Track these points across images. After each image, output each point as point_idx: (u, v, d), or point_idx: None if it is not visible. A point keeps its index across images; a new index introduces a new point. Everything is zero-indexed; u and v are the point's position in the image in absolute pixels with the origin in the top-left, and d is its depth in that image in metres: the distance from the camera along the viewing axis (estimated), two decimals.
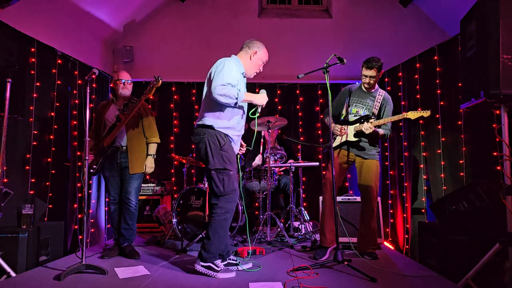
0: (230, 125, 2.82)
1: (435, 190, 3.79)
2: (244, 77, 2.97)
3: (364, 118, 3.35)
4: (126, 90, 3.46)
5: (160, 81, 3.22)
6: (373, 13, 5.26)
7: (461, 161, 3.53)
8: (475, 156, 3.41)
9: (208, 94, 2.77)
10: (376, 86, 3.45)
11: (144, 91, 3.25)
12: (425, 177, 3.95)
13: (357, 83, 3.57)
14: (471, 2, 2.59)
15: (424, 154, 3.96)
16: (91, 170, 3.35)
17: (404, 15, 5.19)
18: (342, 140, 3.43)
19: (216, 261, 2.75)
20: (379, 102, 3.40)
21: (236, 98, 2.68)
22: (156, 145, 3.56)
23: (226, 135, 2.80)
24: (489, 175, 3.16)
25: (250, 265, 3.02)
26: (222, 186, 2.74)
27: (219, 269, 2.72)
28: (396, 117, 3.26)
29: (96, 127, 3.52)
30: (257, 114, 2.95)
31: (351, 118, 3.43)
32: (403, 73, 4.42)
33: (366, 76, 3.33)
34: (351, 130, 3.40)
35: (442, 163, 3.75)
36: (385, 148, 4.62)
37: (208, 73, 2.86)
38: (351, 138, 3.39)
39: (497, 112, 2.68)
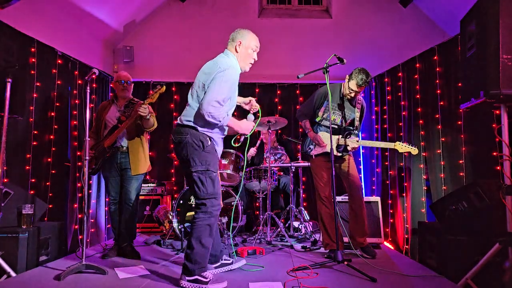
0: (215, 128, 2.64)
1: (435, 190, 3.79)
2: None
3: (346, 132, 3.38)
4: (126, 91, 3.48)
5: (164, 87, 3.20)
6: (373, 13, 5.26)
7: (461, 161, 3.53)
8: (475, 156, 3.40)
9: (198, 95, 2.60)
10: None
11: (148, 96, 3.22)
12: (425, 177, 3.95)
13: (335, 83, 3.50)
14: (471, 2, 2.59)
15: (424, 154, 3.96)
16: (89, 170, 3.33)
17: (404, 15, 5.19)
18: (324, 151, 3.38)
19: (203, 273, 2.51)
20: (359, 111, 3.44)
21: (220, 121, 2.52)
22: (153, 121, 3.43)
23: (211, 138, 2.62)
24: (489, 175, 3.16)
25: (243, 261, 2.96)
26: (206, 188, 2.56)
27: (208, 279, 2.48)
28: (384, 144, 3.51)
29: (96, 127, 3.52)
30: (239, 144, 2.82)
31: (326, 123, 3.40)
32: (403, 73, 4.42)
33: (353, 90, 3.29)
34: (331, 140, 3.37)
35: (442, 163, 3.75)
36: (385, 148, 4.61)
37: (207, 71, 2.58)
38: (336, 153, 3.37)
39: (497, 112, 2.68)
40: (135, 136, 3.44)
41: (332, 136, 3.36)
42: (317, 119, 3.44)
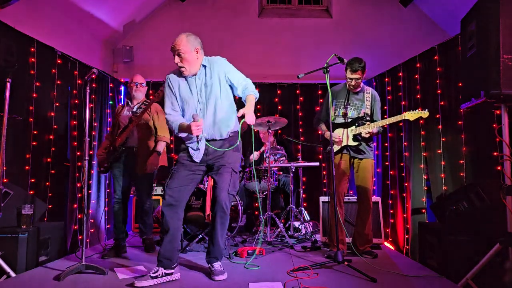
0: (182, 135, 2.78)
1: (435, 190, 3.78)
2: (185, 76, 2.73)
3: (358, 121, 3.40)
4: (139, 92, 3.62)
5: None
6: (373, 13, 5.26)
7: (461, 161, 3.52)
8: (475, 156, 3.40)
9: None
10: (361, 84, 3.47)
11: (154, 94, 3.34)
12: (425, 177, 3.94)
13: (340, 83, 3.59)
14: (471, 2, 2.59)
15: (424, 154, 3.96)
16: (101, 168, 3.52)
17: (404, 15, 5.19)
18: (342, 145, 3.45)
19: (167, 270, 2.61)
20: (369, 101, 3.46)
21: (171, 126, 2.76)
22: (164, 143, 3.59)
23: (183, 141, 2.84)
24: (489, 175, 3.16)
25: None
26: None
27: (153, 275, 2.54)
28: (394, 119, 3.32)
29: (112, 129, 3.65)
30: (198, 144, 2.72)
31: (340, 120, 3.47)
32: (403, 73, 4.42)
33: (351, 79, 3.35)
34: (348, 133, 3.42)
35: (442, 163, 3.74)
36: (385, 148, 4.61)
37: None
38: (351, 142, 3.42)
39: (497, 112, 2.67)
40: (146, 136, 3.52)
41: (346, 128, 3.45)
42: (332, 119, 3.48)
